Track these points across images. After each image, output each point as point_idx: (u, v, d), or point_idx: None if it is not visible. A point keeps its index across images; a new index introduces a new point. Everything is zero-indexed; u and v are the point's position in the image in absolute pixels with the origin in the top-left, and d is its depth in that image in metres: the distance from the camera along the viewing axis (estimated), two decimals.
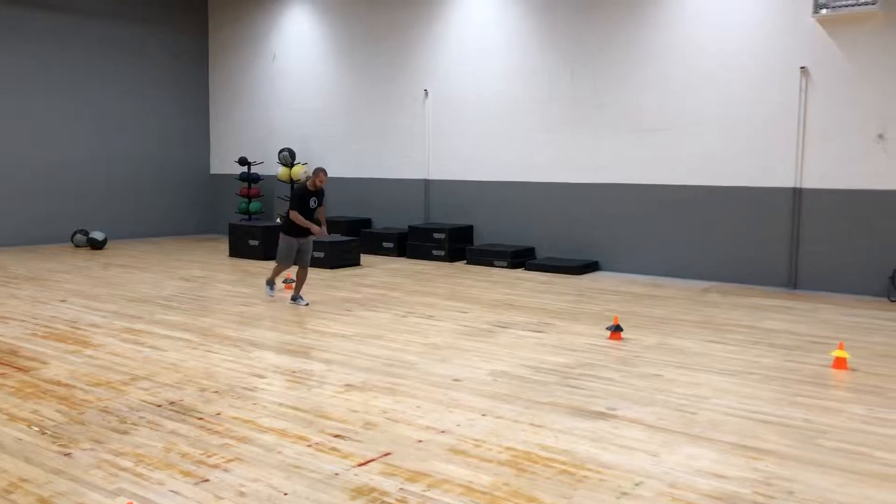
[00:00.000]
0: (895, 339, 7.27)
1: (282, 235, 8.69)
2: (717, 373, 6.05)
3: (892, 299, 9.08)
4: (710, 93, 10.36)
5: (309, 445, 4.42)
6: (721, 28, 10.24)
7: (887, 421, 4.93)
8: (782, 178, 9.90)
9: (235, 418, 4.88)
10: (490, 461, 4.21)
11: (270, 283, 9.05)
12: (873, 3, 8.96)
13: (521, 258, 11.84)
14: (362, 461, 4.19)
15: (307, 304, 8.61)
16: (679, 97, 10.63)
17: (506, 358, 6.43)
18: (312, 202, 8.63)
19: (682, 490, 3.86)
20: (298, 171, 14.55)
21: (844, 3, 9.19)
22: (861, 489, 3.89)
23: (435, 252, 12.51)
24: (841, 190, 9.53)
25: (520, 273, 11.33)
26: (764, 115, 9.96)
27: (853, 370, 6.13)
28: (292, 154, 14.76)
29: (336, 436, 4.57)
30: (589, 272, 11.34)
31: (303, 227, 8.48)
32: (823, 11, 9.32)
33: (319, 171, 8.64)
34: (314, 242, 9.42)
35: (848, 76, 9.40)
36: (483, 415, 4.99)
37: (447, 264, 12.21)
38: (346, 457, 4.25)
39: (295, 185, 8.91)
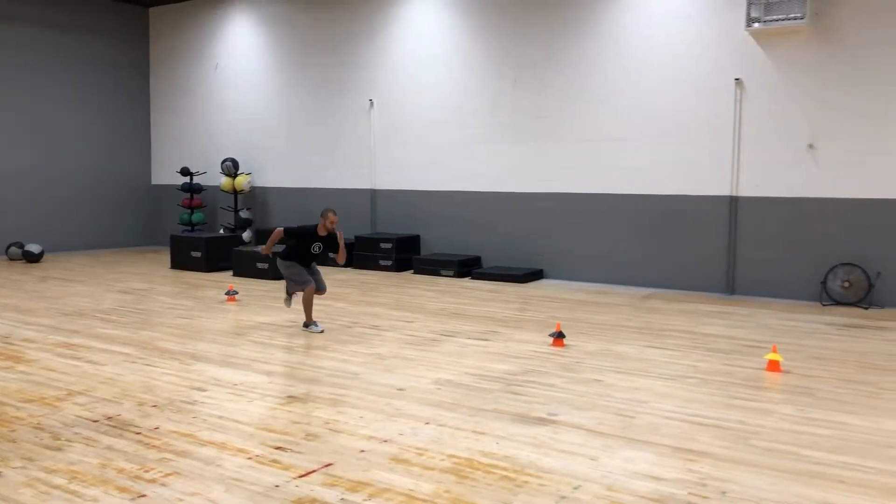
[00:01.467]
0: (827, 342, 7.52)
1: (291, 265, 7.85)
2: (657, 377, 6.17)
3: (825, 303, 9.38)
4: (650, 104, 10.60)
5: (249, 458, 4.37)
6: (659, 42, 10.49)
7: (816, 420, 5.10)
8: (720, 186, 10.17)
9: (174, 432, 4.80)
10: (432, 469, 4.22)
11: (308, 324, 7.90)
12: (801, 18, 9.29)
13: (468, 267, 11.91)
14: (303, 472, 4.16)
15: (321, 331, 7.83)
16: (619, 109, 10.84)
17: (450, 366, 6.46)
18: (316, 248, 7.81)
19: (620, 493, 3.93)
20: (242, 182, 14.40)
21: (775, 17, 9.51)
22: (790, 487, 4.01)
23: (382, 262, 12.49)
24: (775, 198, 9.83)
25: (466, 282, 11.39)
26: (701, 126, 10.23)
27: (786, 372, 6.32)
28: (235, 164, 14.60)
29: (277, 448, 4.53)
30: (534, 280, 11.46)
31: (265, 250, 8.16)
32: (756, 25, 9.63)
33: (328, 213, 7.73)
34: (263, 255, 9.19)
35: (780, 87, 9.72)
36: (426, 423, 5.00)
37: (394, 274, 12.20)
38: (286, 468, 4.22)
39: (306, 226, 7.99)
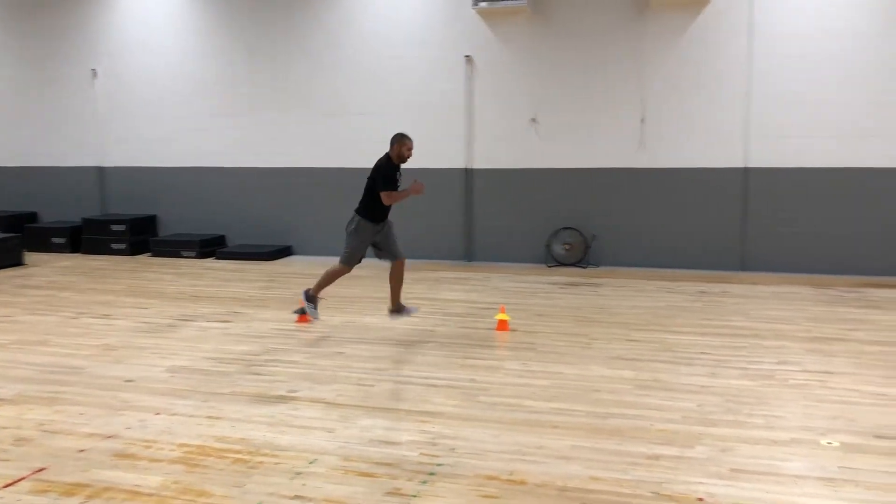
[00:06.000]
0: (550, 300, 8.21)
1: (361, 225, 6.54)
2: (397, 344, 6.37)
3: (549, 265, 10.24)
4: (388, 79, 10.78)
5: None
6: (394, 17, 10.68)
7: (536, 373, 5.56)
8: (455, 159, 10.64)
9: None
10: (160, 461, 4.02)
11: (313, 298, 6.75)
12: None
13: (211, 247, 11.43)
14: (10, 481, 3.76)
15: (418, 309, 6.96)
16: (360, 83, 10.92)
17: (187, 352, 6.17)
18: (399, 177, 6.63)
19: (355, 461, 4.01)
20: None
21: None
22: (511, 437, 4.34)
23: (114, 246, 11.60)
24: (504, 169, 10.50)
25: (210, 262, 10.94)
26: (437, 101, 10.61)
27: (513, 330, 6.81)
28: None
29: None
30: (282, 257, 11.28)
31: (393, 204, 6.53)
32: (482, 4, 10.12)
33: (406, 139, 6.57)
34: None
35: (506, 65, 10.35)
36: (157, 414, 4.74)
37: (129, 258, 11.39)
38: None
39: (379, 160, 6.66)
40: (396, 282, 6.75)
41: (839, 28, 9.16)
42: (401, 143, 6.54)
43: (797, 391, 5.08)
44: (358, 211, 6.62)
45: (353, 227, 6.60)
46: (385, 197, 6.43)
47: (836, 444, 4.19)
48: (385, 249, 6.71)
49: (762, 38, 9.38)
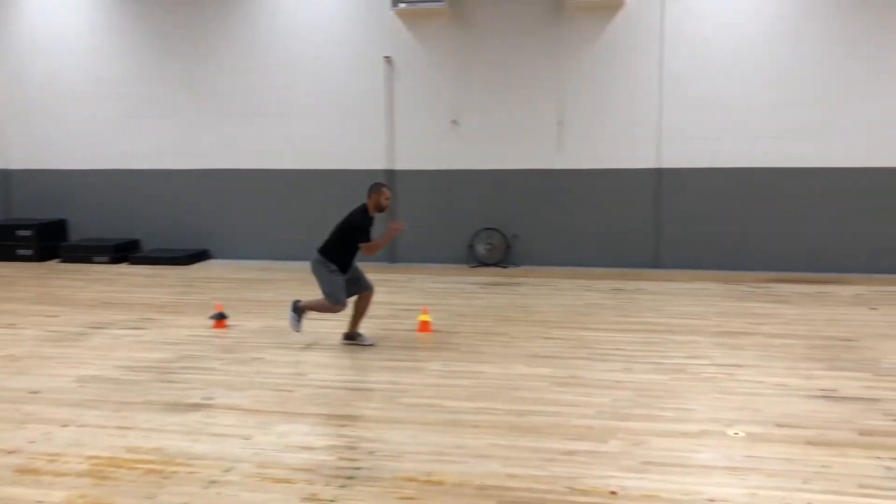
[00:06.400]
0: (471, 300, 8.27)
1: (333, 268, 6.29)
2: (317, 350, 6.31)
3: (472, 265, 10.31)
4: (307, 80, 10.66)
5: None
6: (313, 19, 10.56)
7: (457, 372, 5.59)
8: (376, 161, 10.59)
9: None
10: (67, 475, 3.87)
11: (300, 310, 6.48)
12: (441, 1, 9.96)
13: (125, 252, 11.07)
14: None
15: (374, 344, 6.47)
16: (278, 84, 10.76)
17: (97, 361, 5.96)
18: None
19: (272, 468, 3.95)
20: None
21: None
22: (430, 437, 4.36)
23: (20, 251, 11.11)
24: (426, 170, 10.52)
25: (123, 268, 10.59)
26: (357, 102, 10.55)
27: (436, 331, 6.84)
28: None
29: None
30: (199, 261, 11.02)
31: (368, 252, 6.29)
32: (402, 5, 10.11)
33: (383, 188, 6.33)
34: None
35: (426, 66, 10.37)
36: (64, 426, 4.56)
37: (36, 265, 10.92)
38: None
39: (354, 213, 6.34)
40: (360, 311, 6.51)
41: (747, 32, 9.54)
42: (378, 193, 6.31)
43: (706, 384, 5.27)
44: (323, 254, 6.32)
45: (327, 268, 6.29)
46: (366, 250, 6.24)
47: (741, 434, 4.36)
48: (356, 283, 6.47)
49: (672, 41, 9.67)
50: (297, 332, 6.48)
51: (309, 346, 6.37)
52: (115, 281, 9.58)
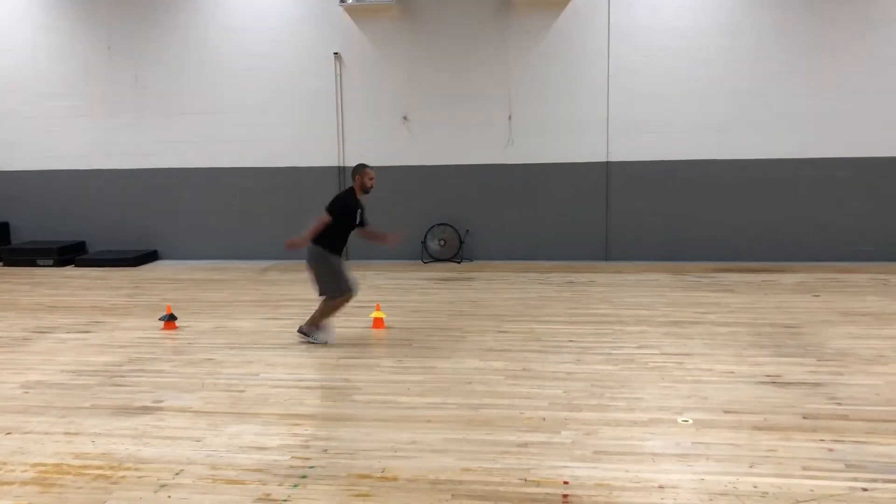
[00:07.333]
0: (425, 295, 8.28)
1: (326, 252, 6.16)
2: (270, 349, 6.24)
3: (425, 261, 10.32)
4: (255, 77, 10.55)
5: None
6: (261, 15, 10.44)
7: (411, 368, 5.60)
8: (328, 157, 10.54)
9: None
10: (11, 483, 3.77)
11: (310, 329, 6.34)
12: None
13: (70, 254, 10.82)
14: None
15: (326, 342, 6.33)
16: (224, 82, 10.62)
17: (42, 366, 5.82)
18: (359, 216, 6.32)
19: (224, 469, 3.91)
20: None
21: None
22: (386, 434, 4.35)
23: None
24: (378, 167, 10.42)
25: (69, 270, 10.36)
26: (306, 99, 10.47)
27: (389, 328, 6.83)
28: None
29: None
30: (147, 262, 10.83)
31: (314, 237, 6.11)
32: (350, 1, 10.06)
33: (366, 168, 6.27)
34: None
35: (375, 62, 10.33)
36: (7, 434, 4.44)
37: None
38: None
39: (341, 194, 6.23)
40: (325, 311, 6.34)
41: (692, 26, 9.71)
42: (362, 174, 6.26)
43: (656, 373, 5.36)
44: (317, 242, 6.18)
45: (321, 258, 6.19)
46: (321, 220, 6.07)
47: (690, 421, 4.45)
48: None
49: (619, 36, 9.80)
50: (330, 341, 6.33)
51: (259, 346, 6.30)
52: (61, 284, 9.36)
